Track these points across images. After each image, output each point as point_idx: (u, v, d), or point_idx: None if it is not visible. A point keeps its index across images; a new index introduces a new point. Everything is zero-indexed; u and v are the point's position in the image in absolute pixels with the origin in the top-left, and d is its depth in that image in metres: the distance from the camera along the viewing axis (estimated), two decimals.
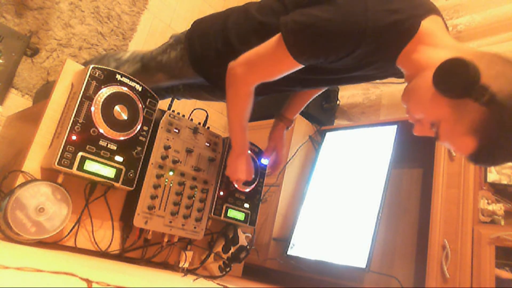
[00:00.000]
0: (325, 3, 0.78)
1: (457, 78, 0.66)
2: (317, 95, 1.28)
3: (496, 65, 0.68)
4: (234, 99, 0.98)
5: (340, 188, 1.85)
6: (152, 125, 1.04)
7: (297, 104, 1.28)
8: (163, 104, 1.12)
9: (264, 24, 0.94)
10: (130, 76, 0.99)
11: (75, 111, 0.88)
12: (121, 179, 0.95)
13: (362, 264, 1.53)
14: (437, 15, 0.80)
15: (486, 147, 0.69)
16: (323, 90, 1.29)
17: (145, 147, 1.01)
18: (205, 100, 1.36)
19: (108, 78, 0.95)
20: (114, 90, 0.96)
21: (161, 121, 1.06)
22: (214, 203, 1.18)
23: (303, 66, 0.85)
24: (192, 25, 1.13)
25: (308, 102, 1.29)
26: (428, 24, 0.77)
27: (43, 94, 1.67)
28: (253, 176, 1.18)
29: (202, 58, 1.07)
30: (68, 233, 0.92)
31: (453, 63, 0.67)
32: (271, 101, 2.43)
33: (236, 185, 1.22)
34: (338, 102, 2.40)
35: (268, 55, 0.86)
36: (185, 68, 1.11)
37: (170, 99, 1.23)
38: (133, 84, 1.00)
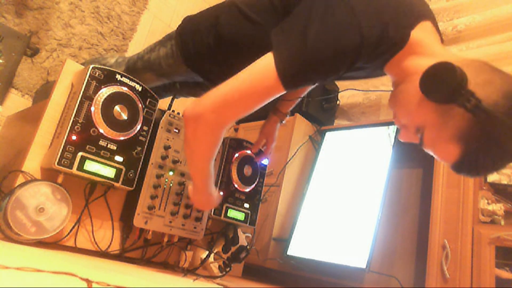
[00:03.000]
0: (316, 21, 0.75)
1: (443, 82, 0.65)
2: (310, 89, 1.26)
3: (484, 73, 0.67)
4: (203, 144, 0.85)
5: (340, 188, 1.85)
6: (152, 125, 1.04)
7: (291, 98, 1.26)
8: (163, 104, 1.12)
9: (255, 22, 0.93)
10: (130, 76, 0.99)
11: (75, 111, 0.88)
12: (121, 179, 0.95)
13: (362, 264, 1.53)
14: (426, 20, 0.78)
15: (469, 156, 0.68)
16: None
17: (145, 147, 1.01)
18: None
19: (108, 78, 0.95)
20: (114, 90, 0.96)
21: (161, 121, 1.06)
22: None
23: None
24: (183, 21, 1.11)
25: (302, 95, 1.28)
26: (417, 33, 0.76)
27: (43, 94, 1.67)
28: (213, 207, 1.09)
29: (195, 54, 1.06)
30: (68, 233, 0.92)
31: (440, 67, 0.66)
32: (270, 102, 2.44)
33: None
34: (338, 102, 2.40)
35: (253, 86, 0.79)
36: (176, 64, 1.10)
37: (170, 99, 1.23)
38: (133, 84, 1.00)
